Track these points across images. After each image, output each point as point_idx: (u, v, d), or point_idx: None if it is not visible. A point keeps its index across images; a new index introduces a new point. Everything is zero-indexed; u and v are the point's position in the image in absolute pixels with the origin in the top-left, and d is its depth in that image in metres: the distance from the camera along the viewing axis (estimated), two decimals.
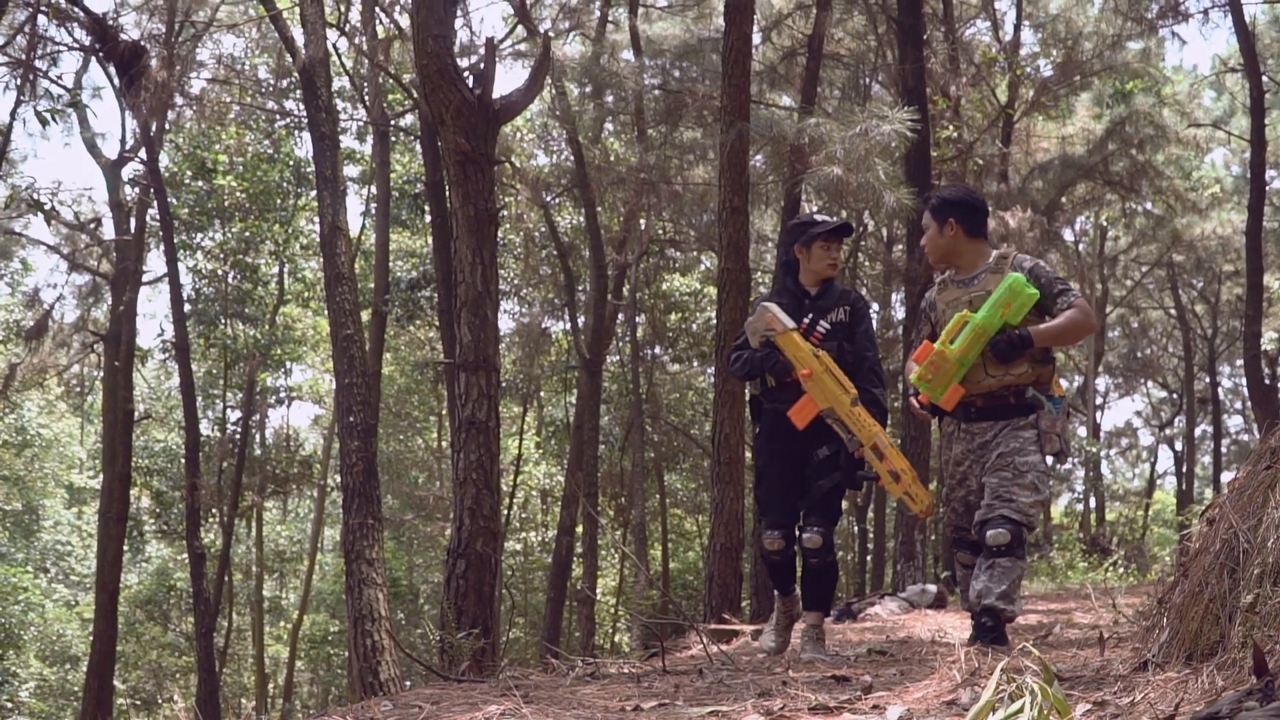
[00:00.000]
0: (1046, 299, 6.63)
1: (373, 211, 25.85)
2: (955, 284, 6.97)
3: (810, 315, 7.11)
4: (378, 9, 21.45)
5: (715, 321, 13.49)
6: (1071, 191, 28.19)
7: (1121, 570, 20.06)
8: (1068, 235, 33.67)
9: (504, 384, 27.63)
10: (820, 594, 7.18)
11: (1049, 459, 6.76)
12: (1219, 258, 33.29)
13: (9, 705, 29.09)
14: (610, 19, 24.03)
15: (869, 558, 30.58)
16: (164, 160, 24.24)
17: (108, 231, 25.88)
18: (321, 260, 18.01)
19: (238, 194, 26.03)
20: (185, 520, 22.89)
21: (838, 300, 7.23)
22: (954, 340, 6.56)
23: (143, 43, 19.74)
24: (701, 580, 28.23)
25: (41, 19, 19.07)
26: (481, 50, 16.39)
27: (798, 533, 7.12)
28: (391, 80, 22.64)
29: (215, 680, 22.55)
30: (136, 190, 23.90)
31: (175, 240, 22.93)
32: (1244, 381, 34.88)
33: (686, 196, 22.26)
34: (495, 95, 11.41)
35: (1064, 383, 40.84)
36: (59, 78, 21.75)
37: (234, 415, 29.29)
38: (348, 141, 26.41)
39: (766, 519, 7.23)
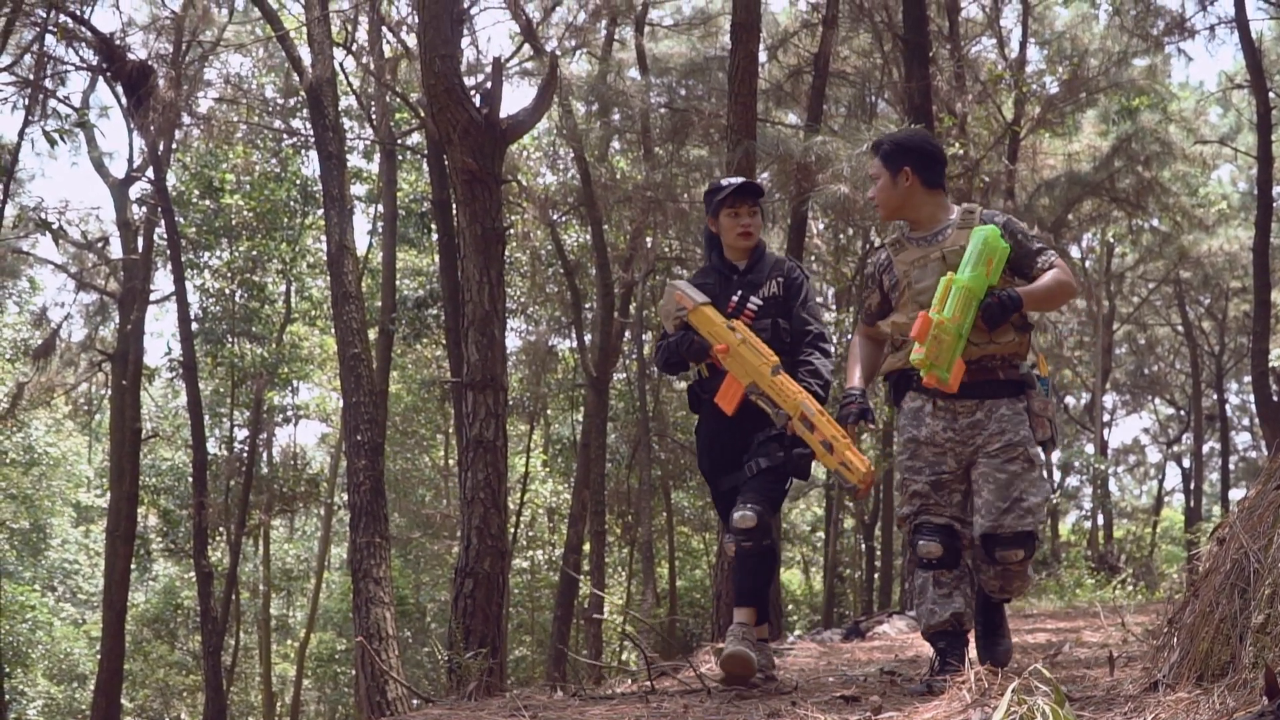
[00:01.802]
0: (1023, 257, 5.93)
1: (379, 230, 25.87)
2: (914, 241, 6.13)
3: (739, 292, 6.48)
4: (384, 28, 21.51)
5: None
6: (1078, 208, 28.23)
7: (1130, 588, 20.03)
8: (1075, 252, 33.72)
9: (511, 402, 27.65)
10: (752, 585, 6.31)
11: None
12: (1226, 274, 33.26)
13: None
14: (616, 38, 24.11)
15: (876, 575, 30.51)
16: (171, 179, 24.26)
17: (115, 250, 25.91)
18: (329, 279, 18.05)
19: (245, 213, 26.05)
20: (192, 539, 22.89)
21: (770, 273, 6.57)
22: (945, 307, 5.66)
23: (150, 62, 19.81)
24: (709, 598, 28.19)
25: (49, 39, 19.14)
26: (488, 69, 16.40)
27: (736, 513, 6.23)
28: (398, 99, 22.67)
29: (222, 699, 22.53)
30: (144, 209, 23.92)
31: (183, 259, 22.95)
32: (1251, 398, 34.79)
33: (693, 214, 22.26)
34: (502, 114, 11.42)
35: (1072, 401, 40.66)
36: (67, 97, 21.88)
37: (241, 434, 29.29)
38: (355, 160, 26.45)
39: (733, 508, 6.32)
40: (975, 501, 5.92)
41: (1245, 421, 46.36)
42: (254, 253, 26.60)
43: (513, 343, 30.28)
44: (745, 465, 6.34)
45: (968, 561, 6.03)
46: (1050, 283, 5.85)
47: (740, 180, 6.57)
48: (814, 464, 6.32)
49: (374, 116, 23.23)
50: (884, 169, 6.12)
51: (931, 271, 5.93)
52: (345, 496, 19.12)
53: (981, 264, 5.65)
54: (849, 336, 24.60)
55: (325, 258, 19.53)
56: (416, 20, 13.55)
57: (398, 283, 24.24)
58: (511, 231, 23.18)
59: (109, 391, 25.91)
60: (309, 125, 21.05)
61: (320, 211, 22.79)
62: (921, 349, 5.61)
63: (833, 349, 6.74)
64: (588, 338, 24.40)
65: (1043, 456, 6.01)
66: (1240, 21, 20.03)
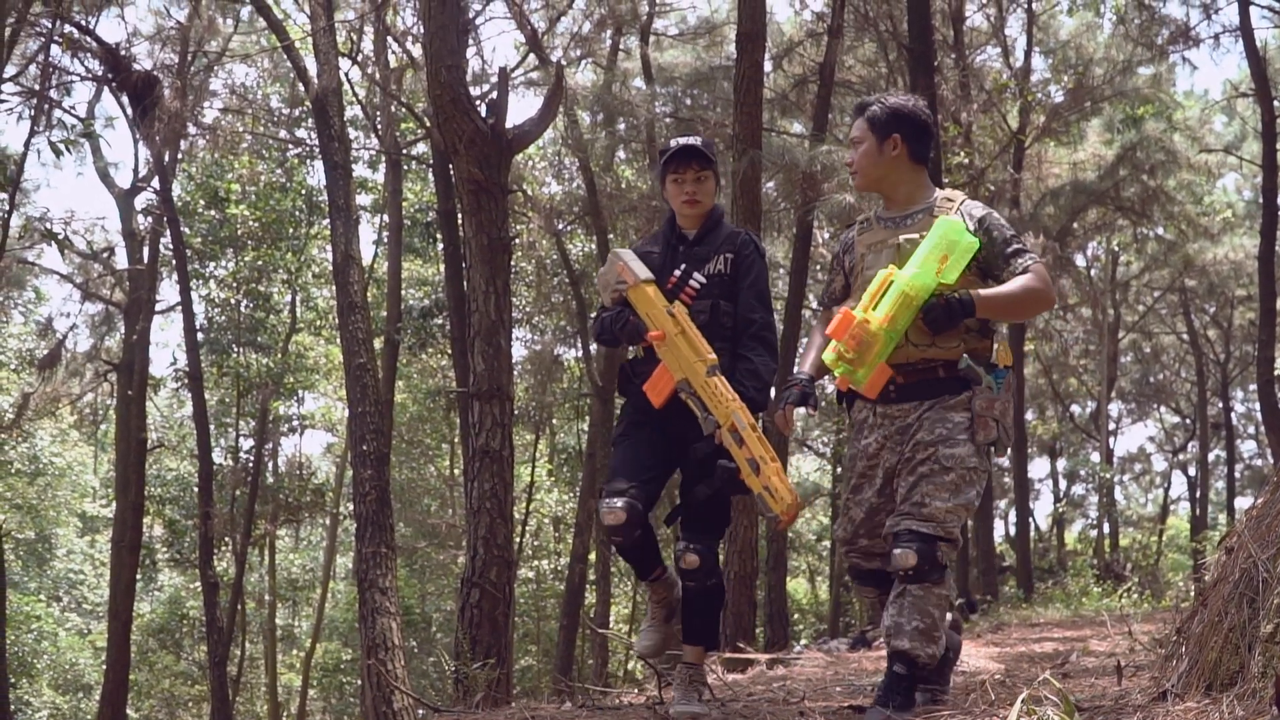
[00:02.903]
0: (994, 257, 5.26)
1: (385, 240, 25.92)
2: (882, 222, 5.54)
3: (683, 266, 5.80)
4: (390, 39, 21.53)
5: None
6: (1083, 217, 28.24)
7: (1135, 596, 19.98)
8: (1080, 261, 33.72)
9: (516, 412, 27.67)
10: (703, 625, 5.83)
11: (983, 450, 5.29)
12: (1231, 282, 33.24)
13: None
14: (622, 47, 24.12)
15: None
16: (177, 189, 24.29)
17: (121, 261, 25.94)
18: (334, 289, 18.03)
19: (250, 223, 26.08)
20: (198, 549, 22.90)
21: (721, 246, 5.87)
22: (877, 306, 5.06)
23: (155, 73, 19.83)
24: None
25: (55, 49, 19.14)
26: (494, 79, 16.41)
27: (679, 550, 5.68)
28: (404, 109, 22.69)
29: (228, 709, 22.53)
30: (149, 219, 23.93)
31: (188, 269, 22.98)
32: (1257, 406, 34.75)
33: None
34: (508, 124, 11.44)
35: (1078, 409, 40.53)
36: (72, 108, 21.85)
37: (247, 444, 29.29)
38: (360, 170, 26.47)
39: (607, 486, 5.73)
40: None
41: (1250, 429, 46.30)
42: (259, 263, 26.62)
43: (518, 352, 30.28)
44: (686, 492, 5.70)
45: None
46: (1017, 290, 5.16)
47: (684, 141, 5.90)
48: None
49: (379, 126, 23.24)
50: (870, 133, 5.48)
51: (885, 259, 5.35)
52: (351, 506, 19.14)
53: (932, 261, 5.05)
54: None
55: (330, 268, 19.51)
56: (422, 30, 13.59)
57: (403, 292, 24.25)
58: (517, 241, 23.20)
59: (114, 402, 25.93)
60: (314, 135, 21.03)
61: (325, 221, 22.83)
62: (835, 349, 5.13)
63: (779, 344, 6.12)
64: (593, 347, 24.40)
65: (974, 459, 5.19)
66: (1245, 30, 20.03)
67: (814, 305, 23.20)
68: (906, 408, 5.29)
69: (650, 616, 6.06)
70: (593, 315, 25.55)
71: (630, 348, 5.95)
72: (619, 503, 5.54)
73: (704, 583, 5.66)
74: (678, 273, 5.75)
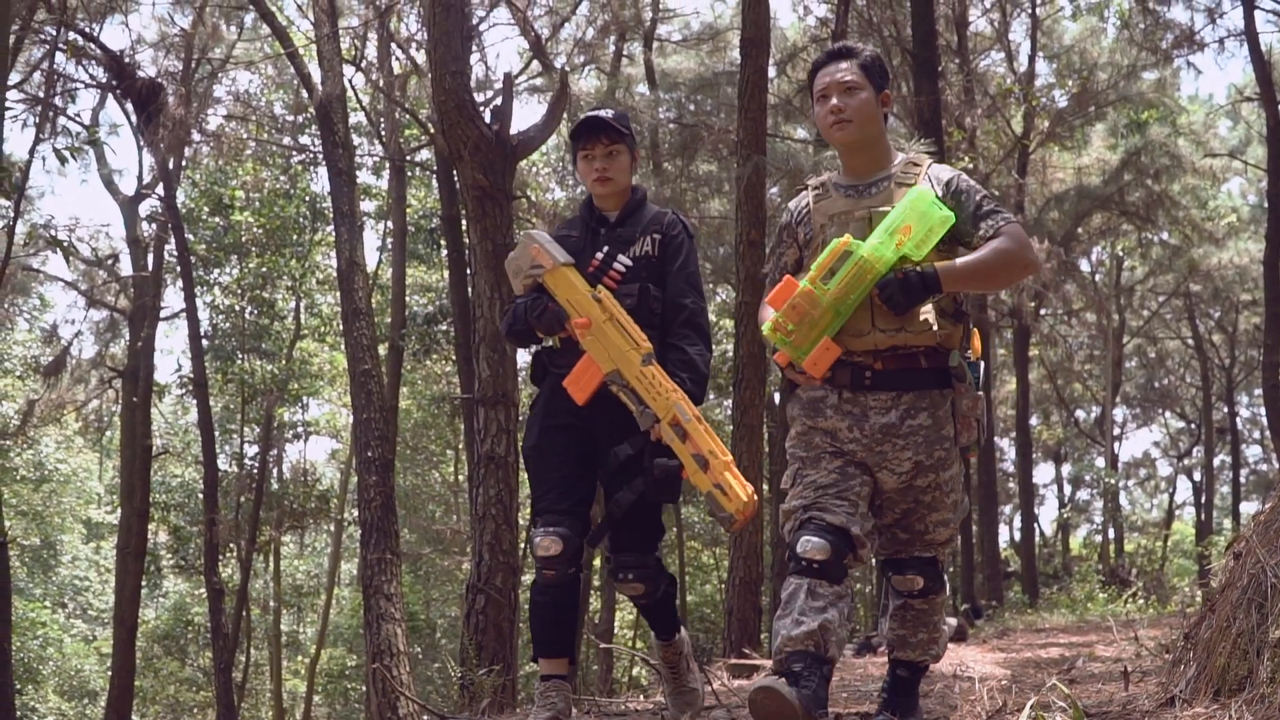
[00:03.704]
0: (964, 221, 4.70)
1: (389, 246, 25.93)
2: (843, 191, 4.93)
3: (605, 249, 5.33)
4: (394, 45, 21.54)
5: (732, 354, 13.46)
6: (1088, 222, 28.23)
7: (1141, 602, 19.98)
8: (1084, 266, 33.72)
9: (521, 417, 27.65)
10: (665, 619, 5.52)
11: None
12: (1236, 287, 33.22)
13: None
14: (625, 53, 24.12)
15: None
16: (181, 196, 24.31)
17: (125, 268, 25.97)
18: (338, 295, 18.05)
19: (255, 229, 26.08)
20: (203, 555, 22.89)
21: (646, 227, 5.43)
22: (828, 277, 4.54)
23: (160, 80, 19.84)
24: (719, 613, 28.17)
25: (59, 56, 19.16)
26: (498, 86, 16.40)
27: (618, 577, 5.29)
28: (408, 116, 22.70)
29: (234, 715, 22.51)
30: (154, 226, 23.97)
31: (193, 276, 22.98)
32: (1263, 411, 34.76)
33: (703, 229, 22.28)
34: (512, 130, 11.44)
35: (1083, 414, 40.48)
36: (76, 115, 21.93)
37: (251, 450, 29.30)
38: (364, 177, 26.47)
39: (541, 516, 5.21)
40: (879, 520, 4.94)
41: (1256, 434, 46.33)
42: (264, 269, 26.62)
43: (523, 358, 30.28)
44: (607, 503, 5.20)
45: (851, 584, 4.79)
46: (989, 255, 4.60)
47: (591, 115, 5.44)
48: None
49: (383, 133, 23.26)
50: (867, 82, 4.90)
51: (853, 233, 4.72)
52: (356, 512, 19.13)
53: (894, 233, 4.53)
54: None
55: (335, 274, 19.53)
56: (426, 37, 13.58)
57: (407, 298, 24.26)
58: None
59: (119, 408, 25.96)
60: (318, 142, 21.06)
61: (330, 228, 22.79)
62: (774, 320, 4.61)
63: (713, 333, 5.63)
64: None
65: (960, 473, 4.87)
66: (1249, 34, 20.02)
67: None
68: (884, 399, 4.72)
69: (539, 702, 5.25)
70: None
71: (544, 339, 5.45)
72: (554, 532, 5.09)
73: (654, 597, 5.32)
74: (600, 255, 5.30)
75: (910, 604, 4.97)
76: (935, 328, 4.66)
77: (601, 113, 5.44)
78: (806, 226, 4.95)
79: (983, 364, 4.98)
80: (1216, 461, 42.15)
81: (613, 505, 5.12)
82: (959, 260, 4.62)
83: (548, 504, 5.18)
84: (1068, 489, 47.84)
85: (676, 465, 4.91)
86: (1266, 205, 20.55)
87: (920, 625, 4.99)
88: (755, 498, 4.83)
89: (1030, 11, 26.14)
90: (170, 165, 21.85)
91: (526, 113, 72.82)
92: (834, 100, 4.89)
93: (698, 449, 4.82)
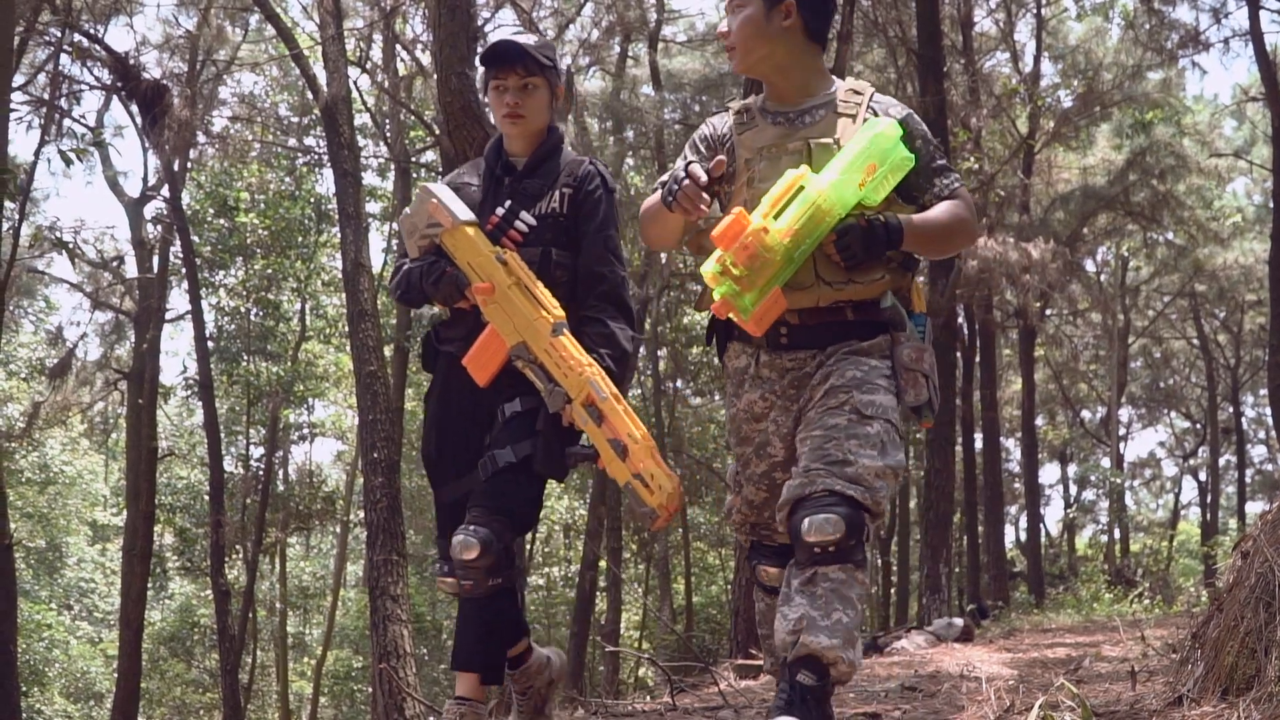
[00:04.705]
0: (916, 174, 4.05)
1: (394, 248, 25.89)
2: (771, 118, 4.15)
3: (508, 203, 4.53)
4: (399, 47, 21.55)
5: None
6: (1093, 222, 28.22)
7: (1147, 602, 19.97)
8: (1089, 266, 33.68)
9: None
10: (480, 646, 4.51)
11: (908, 414, 4.12)
12: (1241, 287, 33.21)
13: None
14: (630, 54, 24.14)
15: (893, 591, 30.47)
16: (186, 198, 24.31)
17: (130, 269, 25.97)
18: (344, 296, 18.04)
19: (260, 231, 26.08)
20: (209, 557, 22.91)
21: (558, 179, 4.65)
22: (778, 215, 3.79)
23: (165, 81, 19.87)
24: (725, 614, 28.16)
25: (64, 58, 19.20)
26: None
27: (456, 534, 4.35)
28: (413, 117, 22.71)
29: (240, 717, 22.51)
30: (159, 228, 23.99)
31: (198, 277, 23.00)
32: (1268, 411, 34.76)
33: None
34: None
35: (1088, 415, 40.44)
36: (81, 116, 21.94)
37: (257, 452, 29.30)
38: (370, 178, 26.51)
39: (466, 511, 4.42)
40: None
41: (1261, 434, 46.27)
42: (269, 271, 26.62)
43: None
44: (481, 459, 4.42)
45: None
46: (946, 218, 4.02)
47: (502, 41, 4.65)
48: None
49: (389, 134, 23.28)
50: None
51: (786, 166, 3.97)
52: (362, 514, 19.13)
53: (858, 170, 3.83)
54: None
55: (340, 275, 19.53)
56: (431, 38, 13.57)
57: None
58: None
59: (125, 410, 25.97)
60: (323, 143, 21.09)
61: (335, 229, 22.82)
62: (720, 260, 3.79)
63: (635, 308, 4.79)
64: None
65: (894, 410, 3.95)
66: (1255, 34, 20.01)
67: None
68: (801, 356, 4.06)
69: (516, 712, 4.78)
70: None
71: (440, 308, 4.69)
72: (474, 534, 4.29)
73: (484, 583, 4.36)
74: (500, 211, 4.50)
75: (822, 571, 3.74)
76: (884, 276, 4.03)
77: (520, 38, 4.67)
78: (732, 159, 4.20)
79: (929, 321, 4.20)
80: (1222, 461, 42.08)
81: (485, 461, 4.38)
82: (922, 216, 4.02)
83: (469, 504, 4.42)
84: (1073, 489, 47.83)
85: (589, 452, 4.22)
86: (1271, 205, 20.56)
87: (836, 601, 3.70)
88: (681, 489, 4.12)
89: (1035, 12, 26.14)
90: (175, 167, 21.88)
91: None
92: (722, 24, 4.23)
93: (615, 433, 4.10)
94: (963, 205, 4.07)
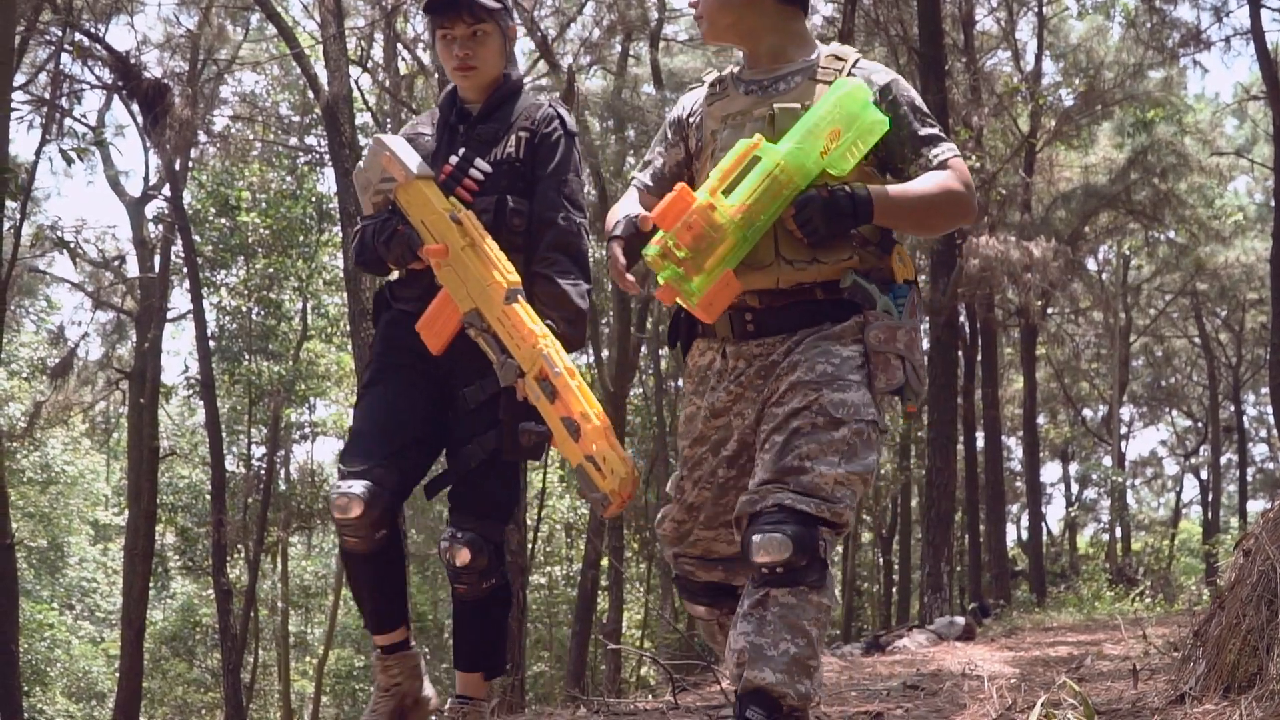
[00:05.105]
0: (901, 144, 3.68)
1: None
2: (744, 86, 3.81)
3: (462, 151, 4.18)
4: (400, 45, 21.54)
5: None
6: (1094, 221, 28.21)
7: (1148, 600, 19.96)
8: (1091, 265, 33.67)
9: None
10: (481, 645, 4.43)
11: (882, 400, 3.70)
12: (1243, 286, 33.22)
13: None
14: (631, 53, 24.12)
15: (894, 590, 30.47)
16: (187, 197, 24.30)
17: (132, 269, 25.97)
18: (345, 296, 18.03)
19: (261, 230, 26.07)
20: (211, 556, 22.90)
21: (514, 123, 4.33)
22: (731, 189, 3.46)
23: (166, 80, 19.86)
24: None
25: (65, 57, 19.19)
26: None
27: (444, 540, 4.18)
28: (414, 116, 22.69)
29: (242, 716, 22.51)
30: (160, 227, 23.98)
31: (199, 277, 23.00)
32: (1269, 410, 34.72)
33: None
34: None
35: (1090, 413, 40.47)
36: (82, 116, 21.93)
37: (259, 451, 29.28)
38: None
39: (345, 459, 4.19)
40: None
41: (1263, 433, 46.26)
42: (270, 270, 26.61)
43: None
44: (451, 455, 4.26)
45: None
46: (934, 190, 3.61)
47: None
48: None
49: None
50: None
51: (751, 135, 3.60)
52: None
53: (820, 136, 3.47)
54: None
55: (342, 274, 19.52)
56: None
57: None
58: None
59: (126, 409, 25.95)
60: (324, 142, 21.08)
61: (336, 228, 22.80)
62: (661, 242, 3.50)
63: (591, 258, 4.45)
64: (605, 353, 24.39)
65: (871, 409, 3.59)
66: (1256, 32, 20.01)
67: None
68: (770, 343, 3.69)
69: (372, 708, 4.42)
70: (604, 322, 25.34)
71: (396, 270, 4.35)
72: (357, 486, 4.03)
73: (478, 586, 4.26)
74: (454, 159, 4.16)
75: (772, 594, 3.41)
76: (855, 259, 3.64)
77: None
78: (699, 130, 3.91)
79: (913, 289, 3.74)
80: (1223, 460, 42.07)
81: (458, 460, 4.21)
82: (898, 187, 3.62)
83: (351, 451, 4.19)
84: (1075, 488, 47.79)
85: (542, 431, 3.92)
86: (1273, 203, 20.56)
87: (785, 630, 3.38)
88: (637, 474, 3.84)
89: (1037, 10, 26.13)
90: (176, 166, 21.87)
91: None
92: None
93: (568, 411, 3.80)
94: (953, 176, 3.64)
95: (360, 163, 4.33)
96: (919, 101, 3.75)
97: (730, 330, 3.70)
